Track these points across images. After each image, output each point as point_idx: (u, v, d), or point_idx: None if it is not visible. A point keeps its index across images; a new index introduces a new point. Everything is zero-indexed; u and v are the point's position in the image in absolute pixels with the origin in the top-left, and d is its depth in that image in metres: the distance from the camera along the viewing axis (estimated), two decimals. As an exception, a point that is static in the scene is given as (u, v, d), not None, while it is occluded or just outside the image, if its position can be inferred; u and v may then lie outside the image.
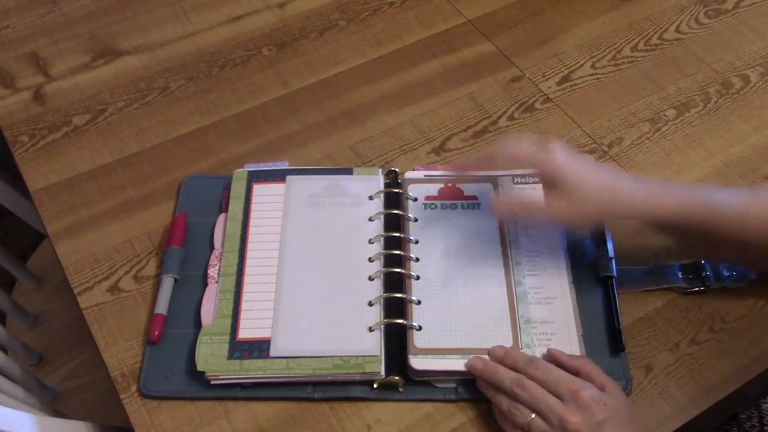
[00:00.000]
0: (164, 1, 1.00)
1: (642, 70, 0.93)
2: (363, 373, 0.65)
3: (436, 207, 0.76)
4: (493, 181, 0.77)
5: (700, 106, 0.89)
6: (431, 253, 0.73)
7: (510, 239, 0.73)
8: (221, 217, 0.76)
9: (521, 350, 0.66)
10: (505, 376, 0.62)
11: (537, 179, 0.77)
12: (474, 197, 0.76)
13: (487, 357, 0.65)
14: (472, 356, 0.65)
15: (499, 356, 0.65)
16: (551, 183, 0.65)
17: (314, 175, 0.79)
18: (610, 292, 0.71)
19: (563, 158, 0.65)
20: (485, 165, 0.70)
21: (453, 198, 0.76)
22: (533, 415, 0.59)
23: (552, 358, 0.65)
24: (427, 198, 0.76)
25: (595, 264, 0.73)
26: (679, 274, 0.73)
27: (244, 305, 0.70)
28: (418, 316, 0.68)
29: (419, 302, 0.69)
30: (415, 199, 0.76)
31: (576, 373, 0.63)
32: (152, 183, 0.82)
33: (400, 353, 0.67)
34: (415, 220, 0.75)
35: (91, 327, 0.71)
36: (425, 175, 0.79)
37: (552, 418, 0.58)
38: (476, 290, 0.70)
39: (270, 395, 0.67)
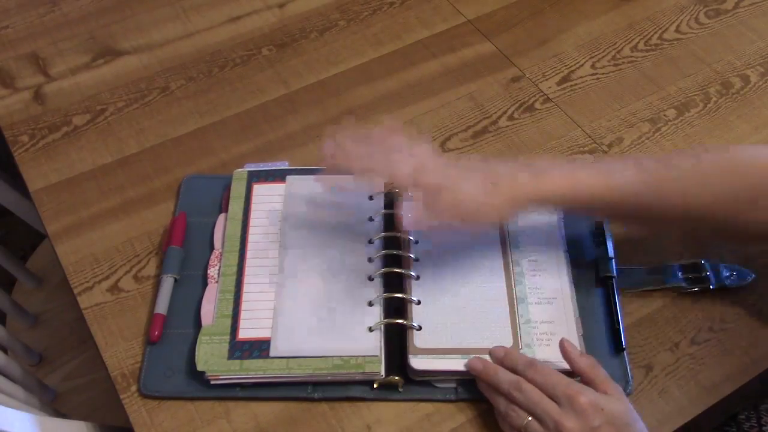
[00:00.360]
0: (164, 1, 1.00)
1: (642, 70, 0.93)
2: (363, 373, 0.65)
3: (436, 207, 0.76)
4: None
5: (700, 106, 0.89)
6: (431, 253, 0.72)
7: (510, 239, 0.73)
8: (221, 217, 0.76)
9: (521, 350, 0.66)
10: (504, 378, 0.62)
11: None
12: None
13: (488, 357, 0.65)
14: (472, 356, 0.65)
15: (499, 357, 0.65)
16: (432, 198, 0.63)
17: (314, 175, 0.78)
18: (610, 292, 0.71)
19: (430, 178, 0.63)
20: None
21: (453, 198, 0.76)
22: (529, 418, 0.59)
23: (564, 350, 0.64)
24: (427, 198, 0.76)
25: (595, 264, 0.73)
26: (679, 274, 0.73)
27: (244, 305, 0.70)
28: (418, 316, 0.68)
29: (419, 302, 0.69)
30: (415, 199, 0.76)
31: (580, 373, 0.63)
32: (152, 183, 0.82)
33: (400, 353, 0.67)
34: (415, 220, 0.75)
35: (91, 327, 0.71)
36: (425, 175, 0.78)
37: (548, 422, 0.58)
38: (476, 290, 0.70)
39: (270, 395, 0.67)
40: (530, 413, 0.60)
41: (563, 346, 0.64)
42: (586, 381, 0.62)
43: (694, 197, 0.63)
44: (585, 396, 0.59)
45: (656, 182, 0.63)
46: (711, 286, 0.72)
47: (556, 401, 0.59)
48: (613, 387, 0.61)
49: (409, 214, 0.67)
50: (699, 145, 0.83)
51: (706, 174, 0.64)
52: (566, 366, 0.64)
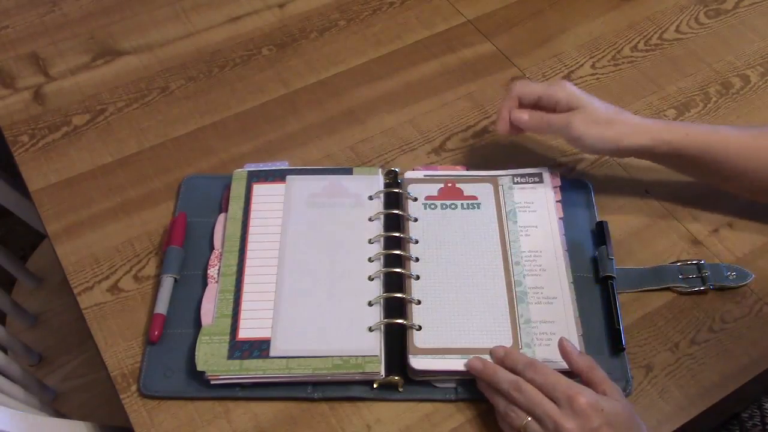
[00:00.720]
0: (164, 1, 1.00)
1: (642, 70, 0.93)
2: (363, 373, 0.65)
3: (436, 207, 0.76)
4: (493, 181, 0.77)
5: (700, 106, 0.89)
6: (431, 253, 0.73)
7: (510, 239, 0.73)
8: (221, 217, 0.76)
9: (521, 350, 0.66)
10: (504, 378, 0.62)
11: (536, 179, 0.77)
12: (474, 197, 0.76)
13: (488, 357, 0.65)
14: (472, 356, 0.65)
15: (499, 357, 0.65)
16: (564, 108, 0.72)
17: (314, 175, 0.79)
18: (610, 292, 0.71)
19: (574, 88, 0.73)
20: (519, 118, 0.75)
21: (453, 198, 0.76)
22: (528, 419, 0.59)
23: (563, 349, 0.64)
24: (427, 198, 0.76)
25: (595, 264, 0.73)
26: (679, 274, 0.73)
27: (244, 305, 0.70)
28: (418, 315, 0.68)
29: (419, 302, 0.69)
30: (415, 199, 0.76)
31: (578, 373, 0.63)
32: (152, 183, 0.82)
33: (400, 353, 0.67)
34: (415, 220, 0.75)
35: (91, 327, 0.71)
36: (425, 175, 0.79)
37: (547, 423, 0.58)
38: (476, 290, 0.70)
39: (270, 395, 0.67)
40: (530, 413, 0.60)
41: (562, 345, 0.64)
42: (585, 381, 0.62)
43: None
44: (585, 397, 0.59)
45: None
46: (711, 286, 0.72)
47: (555, 402, 0.59)
48: (611, 387, 0.61)
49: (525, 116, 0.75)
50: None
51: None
52: (566, 366, 0.64)
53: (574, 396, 0.59)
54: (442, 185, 0.77)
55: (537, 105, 0.75)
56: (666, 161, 0.75)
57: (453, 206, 0.76)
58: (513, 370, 0.63)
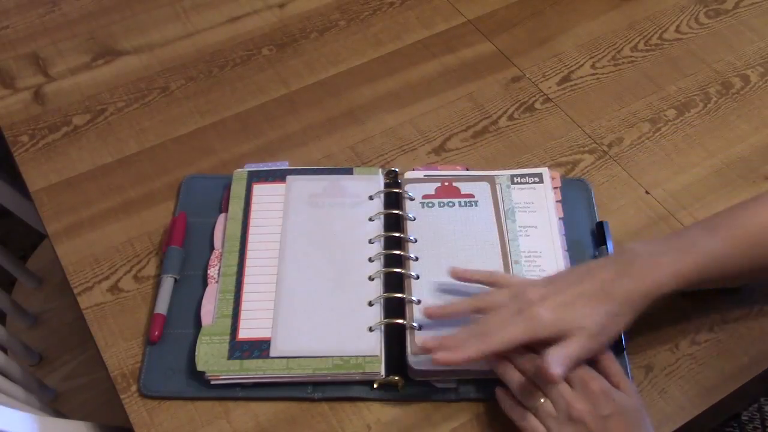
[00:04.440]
0: (164, 1, 1.00)
1: (642, 70, 0.93)
2: (363, 373, 0.65)
3: (433, 205, 0.76)
4: (490, 180, 0.77)
5: (700, 106, 0.89)
6: (431, 252, 0.73)
7: (509, 238, 0.73)
8: (221, 217, 0.76)
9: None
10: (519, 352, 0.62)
11: (536, 179, 0.77)
12: (470, 195, 0.76)
13: None
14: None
15: None
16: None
17: (314, 175, 0.79)
18: (610, 292, 0.71)
19: (553, 313, 0.61)
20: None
21: (450, 196, 0.76)
22: (542, 399, 0.60)
23: None
24: (425, 196, 0.76)
25: (595, 264, 0.73)
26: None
27: (244, 305, 0.70)
28: (418, 315, 0.68)
29: (419, 301, 0.69)
30: (413, 198, 0.76)
31: (594, 363, 0.63)
32: (152, 183, 0.82)
33: (400, 353, 0.67)
34: (413, 218, 0.75)
35: (91, 327, 0.71)
36: (425, 175, 0.79)
37: (559, 402, 0.59)
38: (476, 289, 0.70)
39: (270, 395, 0.67)
40: (544, 391, 0.60)
41: None
42: (600, 370, 0.62)
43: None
44: (598, 382, 0.59)
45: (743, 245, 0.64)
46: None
47: (569, 383, 0.60)
48: (626, 382, 0.62)
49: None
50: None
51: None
52: None
53: (588, 380, 0.59)
54: (439, 184, 0.77)
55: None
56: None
57: (450, 204, 0.76)
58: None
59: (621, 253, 0.65)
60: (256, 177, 0.78)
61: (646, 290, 0.62)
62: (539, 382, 0.61)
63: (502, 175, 0.78)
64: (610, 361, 0.63)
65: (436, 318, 0.66)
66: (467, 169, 0.80)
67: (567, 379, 0.60)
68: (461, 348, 0.61)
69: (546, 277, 0.66)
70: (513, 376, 0.62)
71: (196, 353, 0.66)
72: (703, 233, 0.65)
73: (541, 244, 0.73)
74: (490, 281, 0.67)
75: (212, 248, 0.74)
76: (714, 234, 0.64)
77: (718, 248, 0.63)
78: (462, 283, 0.70)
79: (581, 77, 0.92)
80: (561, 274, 0.66)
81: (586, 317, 0.61)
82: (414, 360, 0.65)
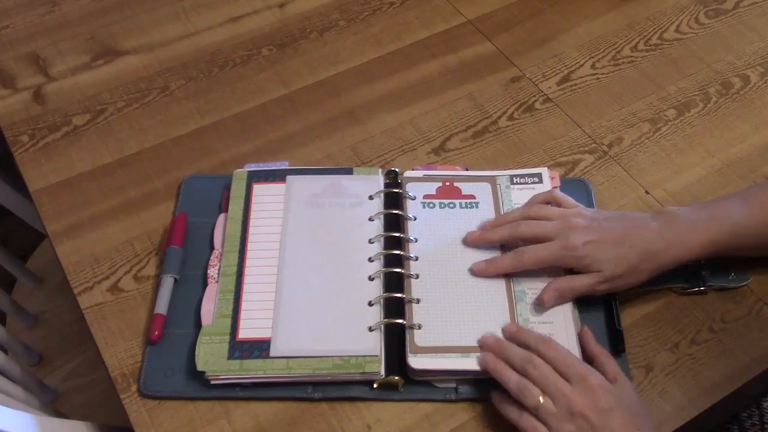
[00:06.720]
0: (164, 1, 1.00)
1: (642, 70, 0.93)
2: (363, 373, 0.65)
3: (434, 206, 0.76)
4: (491, 180, 0.77)
5: (700, 106, 0.89)
6: (431, 252, 0.73)
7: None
8: (221, 217, 0.76)
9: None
10: (517, 352, 0.63)
11: (536, 179, 0.77)
12: (472, 196, 0.76)
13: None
14: (471, 355, 0.65)
15: (511, 332, 0.65)
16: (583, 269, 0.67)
17: (314, 175, 0.79)
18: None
19: (584, 248, 0.66)
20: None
21: (451, 197, 0.76)
22: (541, 399, 0.59)
23: (582, 336, 0.66)
24: (426, 196, 0.76)
25: (595, 264, 0.73)
26: (679, 274, 0.73)
27: (244, 305, 0.70)
28: (418, 315, 0.68)
29: (419, 301, 0.69)
30: (414, 198, 0.76)
31: (594, 357, 0.63)
32: (152, 183, 0.82)
33: (400, 353, 0.67)
34: (414, 218, 0.75)
35: (91, 327, 0.71)
36: (424, 175, 0.79)
37: (559, 399, 0.59)
38: (476, 289, 0.70)
39: (270, 395, 0.67)
40: (542, 389, 0.60)
41: (583, 331, 0.66)
42: (598, 368, 0.62)
43: None
44: (597, 378, 0.60)
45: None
46: (711, 287, 0.72)
47: (567, 379, 0.60)
48: (622, 379, 0.62)
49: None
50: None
51: None
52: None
53: (587, 375, 0.60)
54: (440, 184, 0.77)
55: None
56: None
57: (451, 205, 0.76)
58: (525, 347, 0.63)
59: (664, 213, 0.69)
60: (256, 177, 0.78)
61: (677, 255, 0.66)
62: (533, 376, 0.61)
63: (502, 175, 0.78)
64: (607, 358, 0.63)
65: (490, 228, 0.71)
66: (467, 169, 0.80)
67: (564, 376, 0.60)
68: (496, 261, 0.69)
69: (598, 210, 0.73)
70: (510, 376, 0.62)
71: (196, 353, 0.66)
72: (738, 203, 0.69)
73: (541, 244, 0.73)
74: (601, 360, 0.65)
75: (212, 248, 0.74)
76: (745, 206, 0.68)
77: (747, 220, 0.67)
78: (463, 282, 0.70)
79: (581, 77, 0.92)
80: (609, 216, 0.69)
81: (609, 262, 0.65)
82: (414, 360, 0.65)
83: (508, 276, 0.71)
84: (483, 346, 0.65)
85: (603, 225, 0.67)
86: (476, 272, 0.70)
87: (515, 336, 0.65)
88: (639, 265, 0.66)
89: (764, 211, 0.68)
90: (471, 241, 0.72)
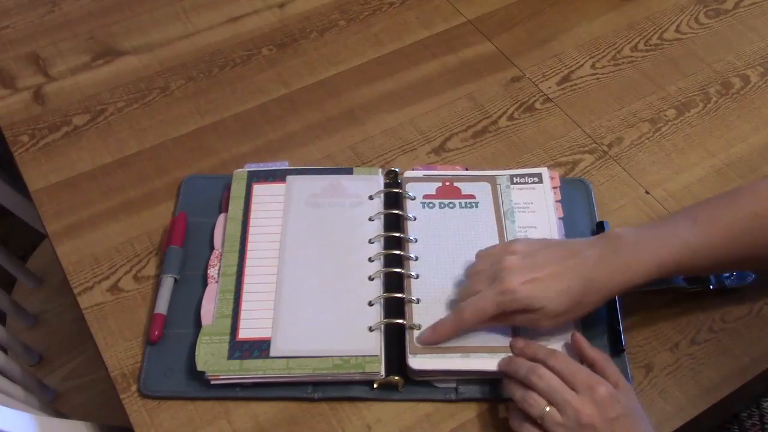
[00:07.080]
0: (164, 1, 1.00)
1: (642, 70, 0.93)
2: (363, 373, 0.65)
3: (434, 206, 0.76)
4: (491, 180, 0.77)
5: (700, 106, 0.89)
6: (431, 252, 0.73)
7: (509, 239, 0.73)
8: (221, 217, 0.76)
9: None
10: (522, 364, 0.62)
11: (536, 179, 0.77)
12: (471, 196, 0.76)
13: (489, 356, 0.65)
14: (471, 355, 0.65)
15: (519, 347, 0.65)
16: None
17: (314, 175, 0.79)
18: (610, 292, 0.71)
19: (523, 289, 0.62)
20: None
21: (451, 197, 0.76)
22: (547, 409, 0.59)
23: (576, 341, 0.65)
24: (426, 196, 0.76)
25: (595, 264, 0.73)
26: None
27: (244, 305, 0.70)
28: (418, 315, 0.68)
29: (419, 301, 0.69)
30: (413, 198, 0.76)
31: (591, 365, 0.63)
32: (152, 183, 0.82)
33: (400, 353, 0.67)
34: (414, 218, 0.75)
35: (91, 327, 0.71)
36: (424, 175, 0.79)
37: (567, 410, 0.58)
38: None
39: (270, 395, 0.67)
40: (549, 400, 0.59)
41: (575, 337, 0.65)
42: (597, 371, 0.62)
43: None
44: (605, 387, 0.59)
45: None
46: (711, 286, 0.72)
47: (574, 389, 0.59)
48: (624, 383, 0.61)
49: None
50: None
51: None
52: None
53: (594, 385, 0.59)
54: (439, 184, 0.77)
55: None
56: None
57: (451, 205, 0.76)
58: (533, 360, 0.63)
59: (606, 237, 0.65)
60: (256, 177, 0.78)
61: (623, 282, 0.63)
62: (539, 387, 0.60)
63: (502, 175, 0.78)
64: (606, 362, 0.63)
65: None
66: (467, 169, 0.80)
67: (571, 385, 0.60)
68: (439, 326, 0.66)
69: (534, 241, 0.68)
70: (515, 389, 0.62)
71: (196, 353, 0.66)
72: (686, 224, 0.65)
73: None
74: (602, 365, 0.63)
75: (212, 248, 0.74)
76: (695, 225, 0.64)
77: (697, 240, 0.64)
78: (463, 282, 0.70)
79: (581, 77, 0.92)
80: (546, 245, 0.66)
81: (552, 300, 0.62)
82: (414, 360, 0.65)
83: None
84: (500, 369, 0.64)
85: (539, 260, 0.63)
86: (423, 341, 0.66)
87: (523, 351, 0.64)
88: (583, 299, 0.62)
89: (714, 229, 0.64)
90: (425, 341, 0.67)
